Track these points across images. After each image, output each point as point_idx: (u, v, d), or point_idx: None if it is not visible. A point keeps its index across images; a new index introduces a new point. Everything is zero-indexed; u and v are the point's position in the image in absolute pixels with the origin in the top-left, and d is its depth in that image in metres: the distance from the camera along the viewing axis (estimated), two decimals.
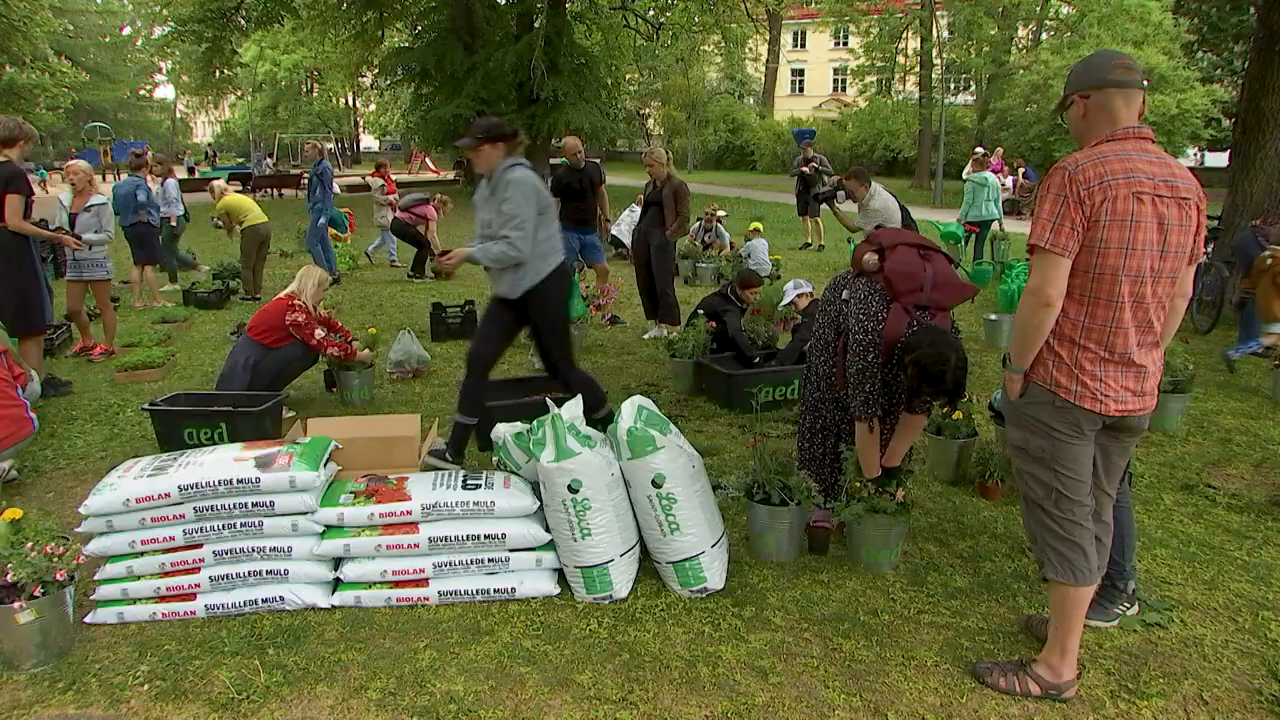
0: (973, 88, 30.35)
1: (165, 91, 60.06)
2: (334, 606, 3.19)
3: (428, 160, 35.88)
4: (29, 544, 2.94)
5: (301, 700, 2.73)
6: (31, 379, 5.30)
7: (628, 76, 30.66)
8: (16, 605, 2.83)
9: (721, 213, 11.92)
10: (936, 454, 4.41)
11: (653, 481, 3.17)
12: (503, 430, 3.55)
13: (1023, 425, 2.62)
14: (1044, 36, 27.51)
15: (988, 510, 4.06)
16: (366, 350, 5.70)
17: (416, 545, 3.15)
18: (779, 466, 3.54)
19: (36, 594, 2.87)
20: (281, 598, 3.16)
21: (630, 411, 3.32)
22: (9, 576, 2.86)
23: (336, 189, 11.28)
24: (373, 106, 49.69)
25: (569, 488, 3.10)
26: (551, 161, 23.34)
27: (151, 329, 7.85)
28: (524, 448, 3.39)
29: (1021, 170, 20.49)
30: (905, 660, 2.91)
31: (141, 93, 57.75)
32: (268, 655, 2.95)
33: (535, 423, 3.39)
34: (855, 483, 3.42)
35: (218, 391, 5.12)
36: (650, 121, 43.58)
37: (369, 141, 60.37)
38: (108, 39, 52.87)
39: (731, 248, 11.42)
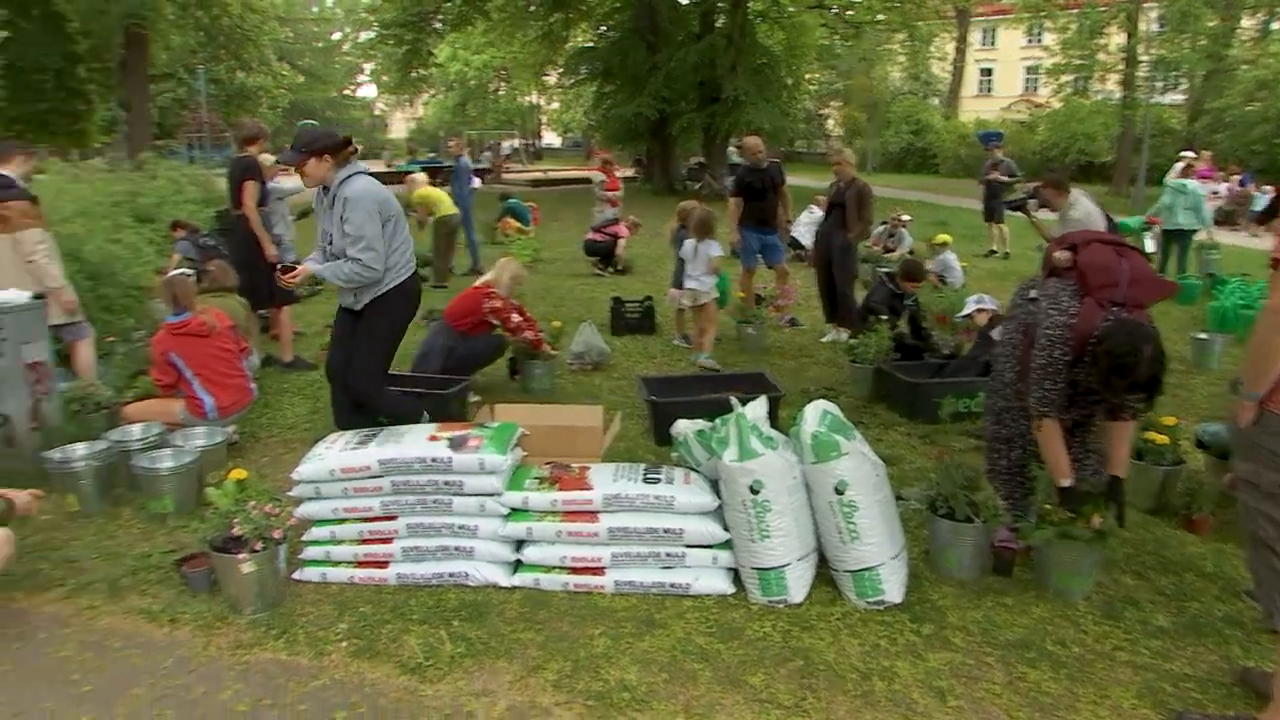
0: (1183, 86, 27.85)
1: (367, 91, 64.42)
2: (514, 587, 3.31)
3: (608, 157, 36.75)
4: (251, 502, 3.23)
5: (483, 672, 2.84)
6: (252, 352, 5.82)
7: (808, 76, 30.15)
8: (240, 556, 3.11)
9: (905, 217, 11.52)
10: (1135, 480, 4.07)
11: (835, 488, 3.09)
12: (684, 426, 3.57)
13: (1254, 457, 2.37)
14: (1274, 26, 24.86)
15: (1194, 546, 3.71)
16: (549, 345, 5.88)
17: (596, 534, 3.22)
18: (964, 481, 3.38)
19: (256, 548, 3.14)
20: (466, 574, 3.31)
21: (814, 415, 3.25)
22: (236, 530, 3.14)
23: (476, 183, 11.58)
24: (556, 104, 51.36)
25: (750, 488, 3.08)
26: (731, 160, 23.35)
27: None
28: (706, 445, 3.40)
29: (1237, 177, 18.57)
30: (1098, 699, 2.70)
31: (346, 92, 62.27)
32: (453, 626, 3.09)
33: (718, 421, 3.38)
34: (1046, 504, 3.21)
35: (412, 373, 5.43)
36: (830, 122, 42.70)
37: (551, 138, 62.44)
38: (320, 44, 57.35)
39: (911, 253, 11.02)
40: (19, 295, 4.51)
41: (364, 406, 4.11)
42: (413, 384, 5.10)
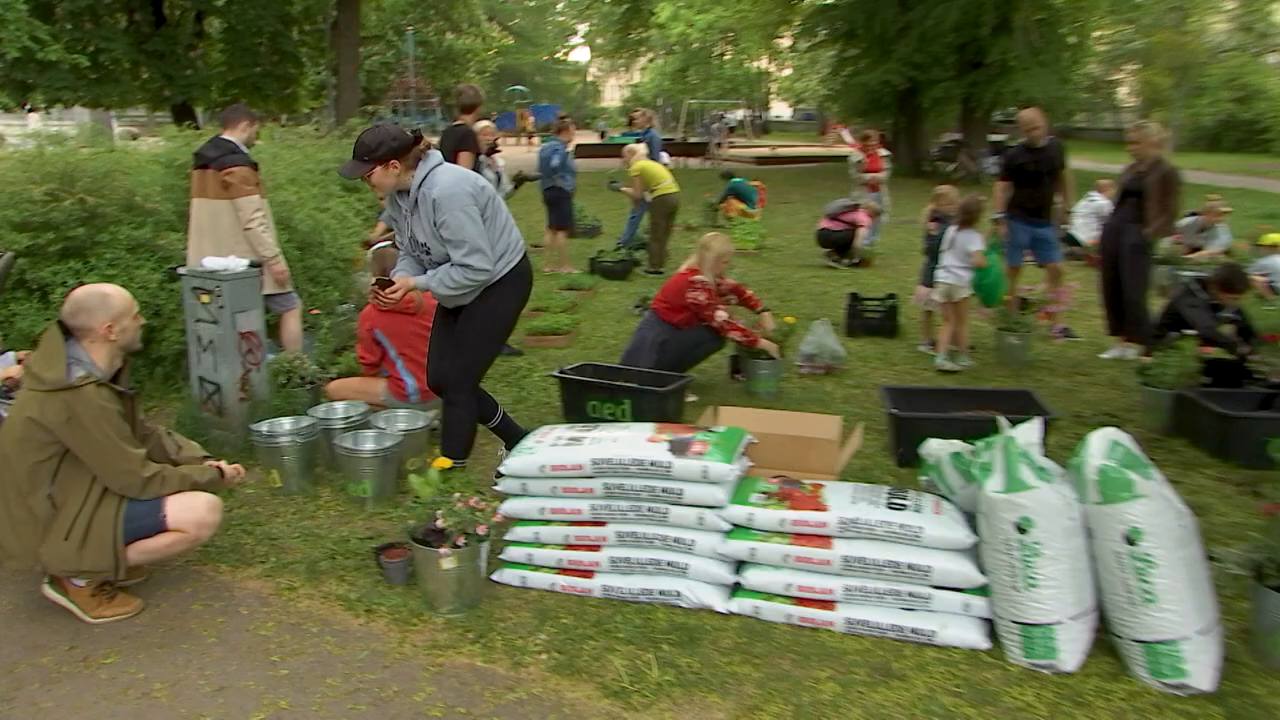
0: None
1: (579, 54, 66.95)
2: (731, 612, 3.34)
3: (845, 132, 36.13)
4: (456, 494, 3.44)
5: (693, 706, 2.88)
6: None
7: (1095, 34, 28.23)
8: (442, 551, 3.33)
9: (1223, 208, 10.56)
10: None
11: (1126, 536, 2.89)
12: (937, 448, 3.46)
13: None
14: None
15: None
16: (770, 343, 5.87)
17: (828, 562, 3.18)
18: None
19: (459, 543, 3.35)
20: (678, 592, 3.37)
21: (1101, 446, 3.05)
22: (439, 522, 3.37)
23: (665, 158, 11.66)
24: (788, 71, 51.15)
25: (1017, 526, 2.93)
26: (991, 138, 22.28)
27: (558, 295, 8.83)
28: (963, 471, 3.28)
29: None
30: None
31: (558, 56, 65.04)
32: (662, 650, 3.16)
33: (980, 443, 3.25)
34: None
35: (623, 366, 5.61)
36: (1122, 90, 39.81)
37: (780, 109, 62.27)
38: (533, 3, 60.25)
39: (1228, 254, 10.08)
40: (238, 263, 5.06)
41: (447, 402, 4.23)
42: (623, 379, 5.26)
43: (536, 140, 39.78)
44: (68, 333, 3.30)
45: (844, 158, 28.20)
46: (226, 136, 5.81)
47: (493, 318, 4.11)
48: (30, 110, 20.99)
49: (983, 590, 3.11)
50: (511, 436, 4.53)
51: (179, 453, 3.67)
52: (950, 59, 20.32)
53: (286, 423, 4.72)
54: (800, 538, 3.25)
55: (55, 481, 3.24)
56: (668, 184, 10.35)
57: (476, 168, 6.99)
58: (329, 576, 3.73)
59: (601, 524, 3.50)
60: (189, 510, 3.40)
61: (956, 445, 3.45)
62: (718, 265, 5.84)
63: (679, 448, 3.42)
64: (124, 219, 6.25)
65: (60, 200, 5.91)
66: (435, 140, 6.95)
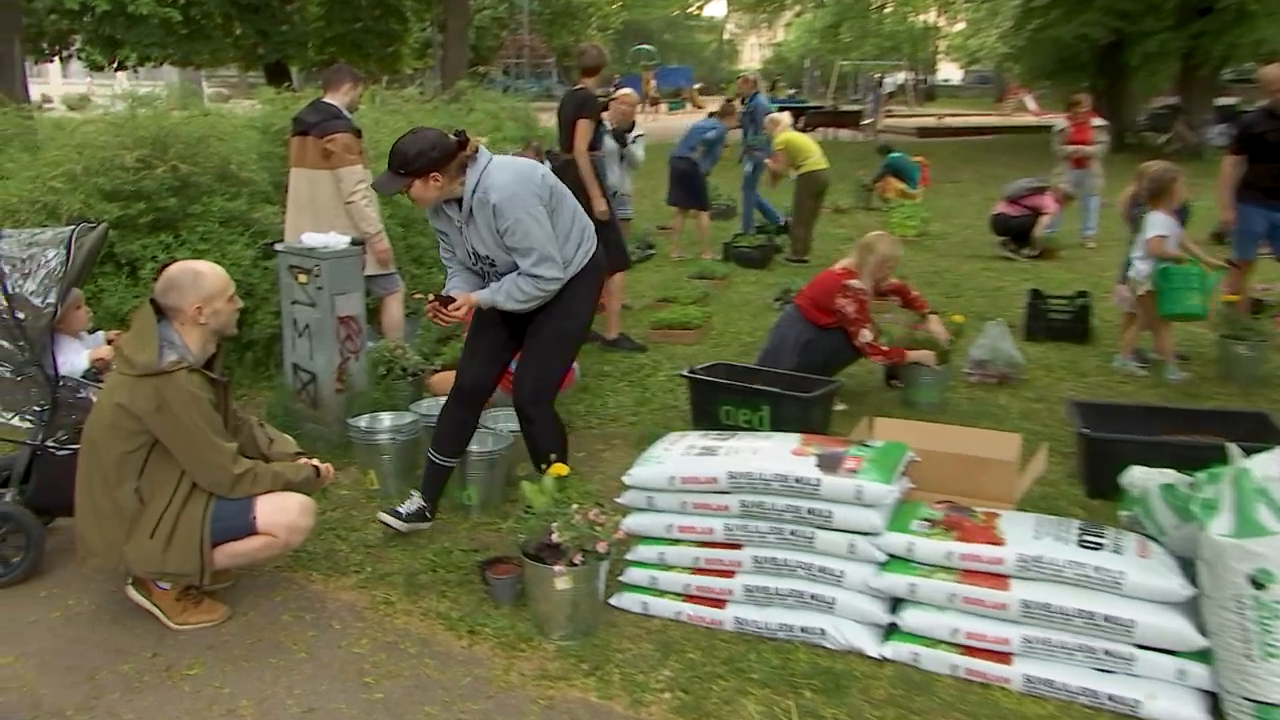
0: None
1: (715, 9, 66.92)
2: (884, 658, 3.29)
3: (1028, 98, 35.16)
4: (574, 505, 3.49)
5: None
6: None
7: None
8: (557, 568, 3.38)
9: None
10: None
11: (1252, 578, 2.74)
12: (1144, 477, 3.33)
13: None
14: None
15: None
16: (927, 352, 5.76)
17: (1004, 606, 3.10)
18: None
19: (576, 561, 3.40)
20: (823, 630, 3.34)
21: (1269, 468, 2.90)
22: (554, 536, 3.42)
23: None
24: (960, 26, 50.04)
25: (1252, 580, 2.79)
26: (1219, 102, 21.06)
27: (688, 284, 8.88)
28: (1178, 507, 3.15)
29: None
30: None
31: (690, 10, 65.17)
32: (803, 698, 3.13)
33: (1202, 475, 3.11)
34: None
35: (761, 367, 5.60)
36: None
37: (949, 71, 60.96)
38: None
39: None
40: (338, 240, 5.25)
41: (525, 419, 4.23)
42: (761, 381, 5.24)
43: (662, 108, 40.01)
44: (160, 312, 3.48)
45: (1026, 129, 27.27)
46: (328, 100, 6.02)
47: (569, 321, 4.14)
48: (118, 68, 22.25)
49: (1203, 656, 2.96)
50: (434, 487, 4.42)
51: (271, 447, 3.83)
52: (1169, 5, 19.15)
53: (386, 418, 4.87)
54: (971, 575, 3.17)
55: (143, 474, 3.42)
56: (816, 159, 10.28)
57: (598, 139, 7.06)
58: (429, 591, 3.83)
59: (737, 546, 3.50)
60: (281, 512, 3.54)
61: (1169, 475, 3.31)
62: (880, 271, 5.75)
63: (828, 463, 3.39)
64: (217, 189, 6.58)
65: (152, 168, 6.25)
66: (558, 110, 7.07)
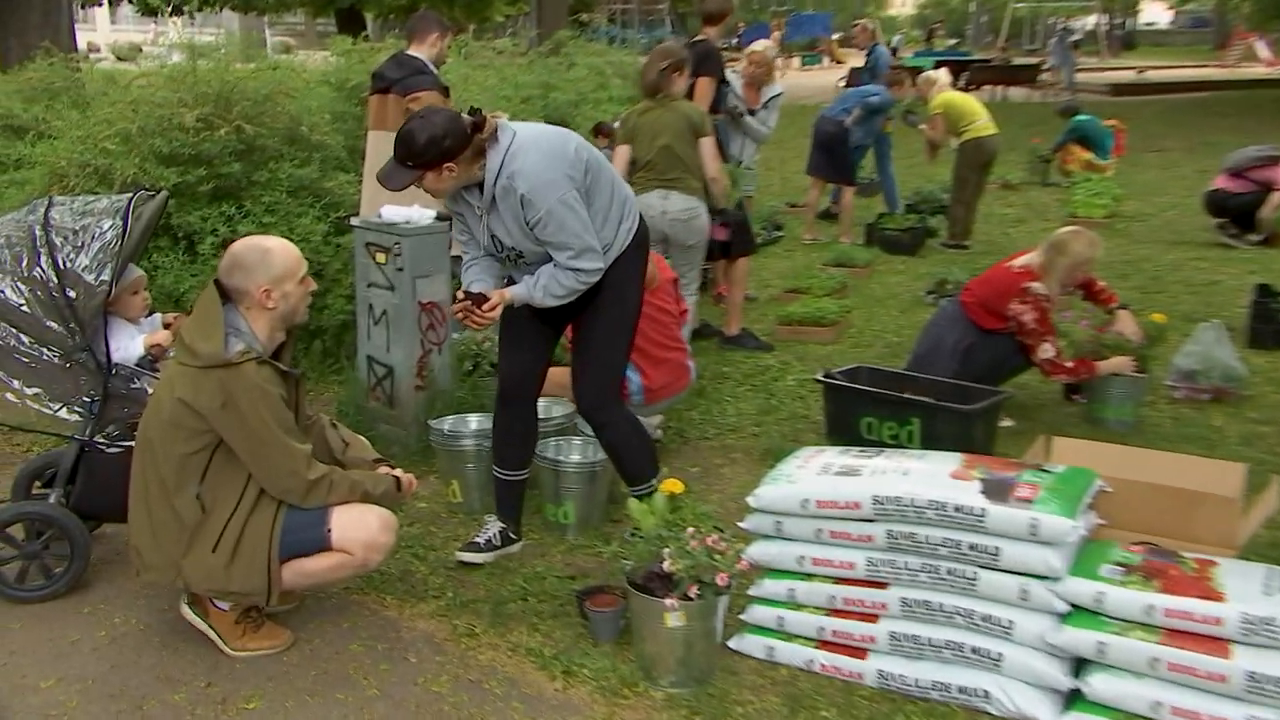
0: None
1: None
2: None
3: (1260, 45, 33.77)
4: (690, 529, 3.49)
5: None
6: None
7: None
8: (669, 602, 3.37)
9: None
10: None
11: None
12: None
13: None
14: None
15: None
16: (1122, 359, 5.61)
17: (1223, 678, 2.97)
18: None
19: (691, 594, 3.38)
20: (986, 692, 3.28)
21: None
22: (665, 564, 3.41)
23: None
24: None
25: None
26: None
27: (822, 272, 8.82)
28: None
29: None
30: None
31: None
32: None
33: None
34: None
35: (911, 372, 5.54)
36: None
37: (1154, 13, 59.14)
38: None
39: None
40: (422, 214, 5.32)
41: (596, 426, 4.30)
42: (912, 390, 5.20)
43: (795, 62, 39.74)
44: (224, 295, 3.57)
45: (1256, 83, 26.33)
46: (411, 53, 6.13)
47: (620, 308, 4.20)
48: (173, 13, 22.97)
49: None
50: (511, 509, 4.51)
51: (345, 451, 3.91)
52: None
53: (473, 421, 4.93)
54: (1178, 636, 3.06)
55: (205, 479, 3.51)
56: (982, 124, 10.07)
57: (719, 98, 7.04)
58: (518, 623, 3.88)
59: (881, 585, 3.46)
60: (359, 527, 3.60)
61: None
62: (1071, 276, 5.58)
63: (996, 490, 3.32)
64: (286, 154, 6.74)
65: (214, 128, 6.43)
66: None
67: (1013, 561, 3.26)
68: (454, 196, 4.03)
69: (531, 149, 3.84)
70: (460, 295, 4.01)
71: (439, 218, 5.40)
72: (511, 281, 4.11)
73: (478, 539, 4.35)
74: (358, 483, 3.67)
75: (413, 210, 5.31)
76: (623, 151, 6.38)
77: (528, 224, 3.87)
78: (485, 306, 3.95)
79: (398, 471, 3.90)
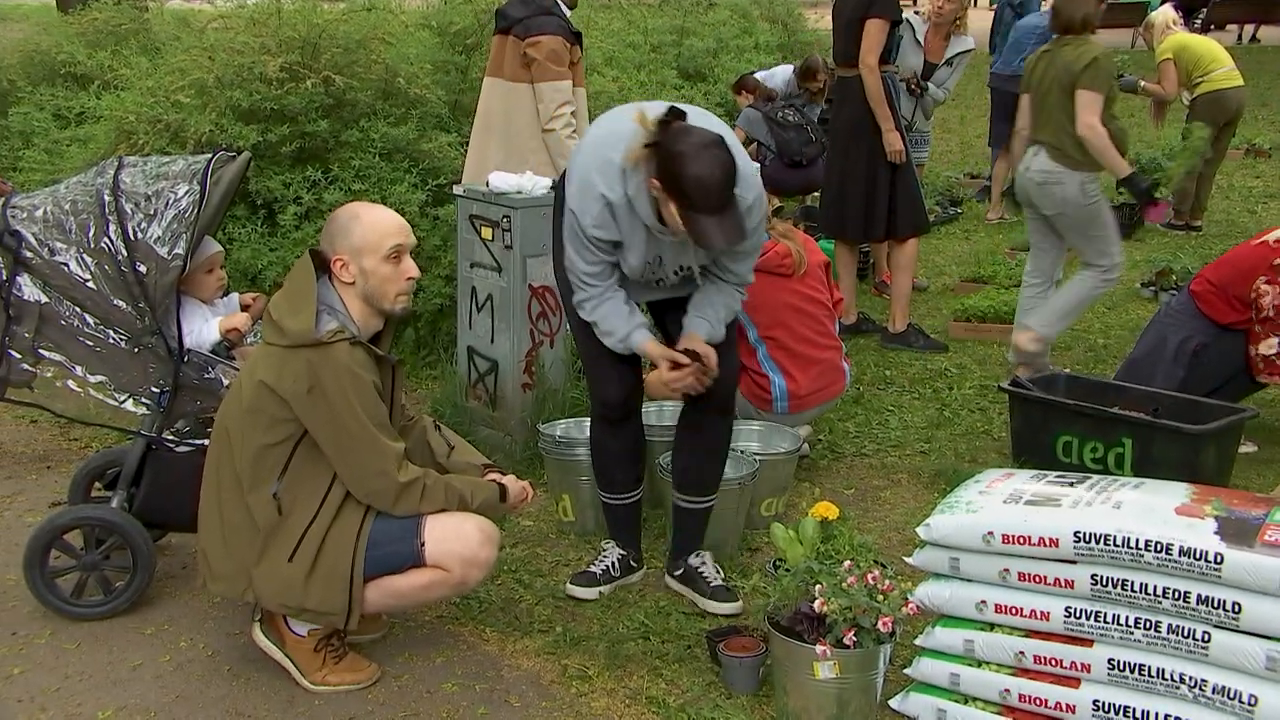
0: None
1: None
2: None
3: None
4: (846, 563, 3.44)
5: None
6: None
7: None
8: (821, 649, 3.32)
9: None
10: None
11: None
12: None
13: None
14: None
15: None
16: None
17: None
18: None
19: (846, 642, 3.33)
20: None
21: None
22: (816, 604, 3.37)
23: None
24: None
25: None
26: None
27: (1007, 258, 8.67)
28: None
29: None
30: None
31: None
32: None
33: None
34: None
35: (1121, 382, 5.42)
36: None
37: None
38: None
39: None
40: (537, 183, 5.31)
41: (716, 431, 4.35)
42: (1124, 403, 5.09)
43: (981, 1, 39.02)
44: (321, 267, 3.62)
45: None
46: None
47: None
48: None
49: None
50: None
51: (449, 456, 3.95)
52: None
53: (588, 426, 4.92)
54: None
55: (285, 477, 3.55)
56: (1223, 73, 9.71)
57: (891, 49, 6.91)
58: (638, 666, 3.87)
59: (1085, 643, 3.35)
60: (456, 539, 3.62)
61: None
62: None
63: (1237, 532, 3.18)
64: (380, 110, 6.81)
65: (300, 80, 6.52)
66: None
67: (1257, 621, 3.11)
68: (633, 222, 3.97)
69: (735, 145, 3.89)
70: (681, 361, 4.00)
71: (554, 187, 5.40)
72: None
73: (593, 568, 4.37)
74: (455, 489, 3.69)
75: (524, 178, 5.31)
76: (1024, 103, 6.46)
77: (747, 233, 3.94)
78: (709, 361, 4.00)
79: (509, 478, 3.91)
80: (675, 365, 3.99)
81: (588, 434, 4.86)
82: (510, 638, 4.05)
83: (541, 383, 5.39)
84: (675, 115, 3.80)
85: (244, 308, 4.50)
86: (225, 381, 4.04)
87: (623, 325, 4.06)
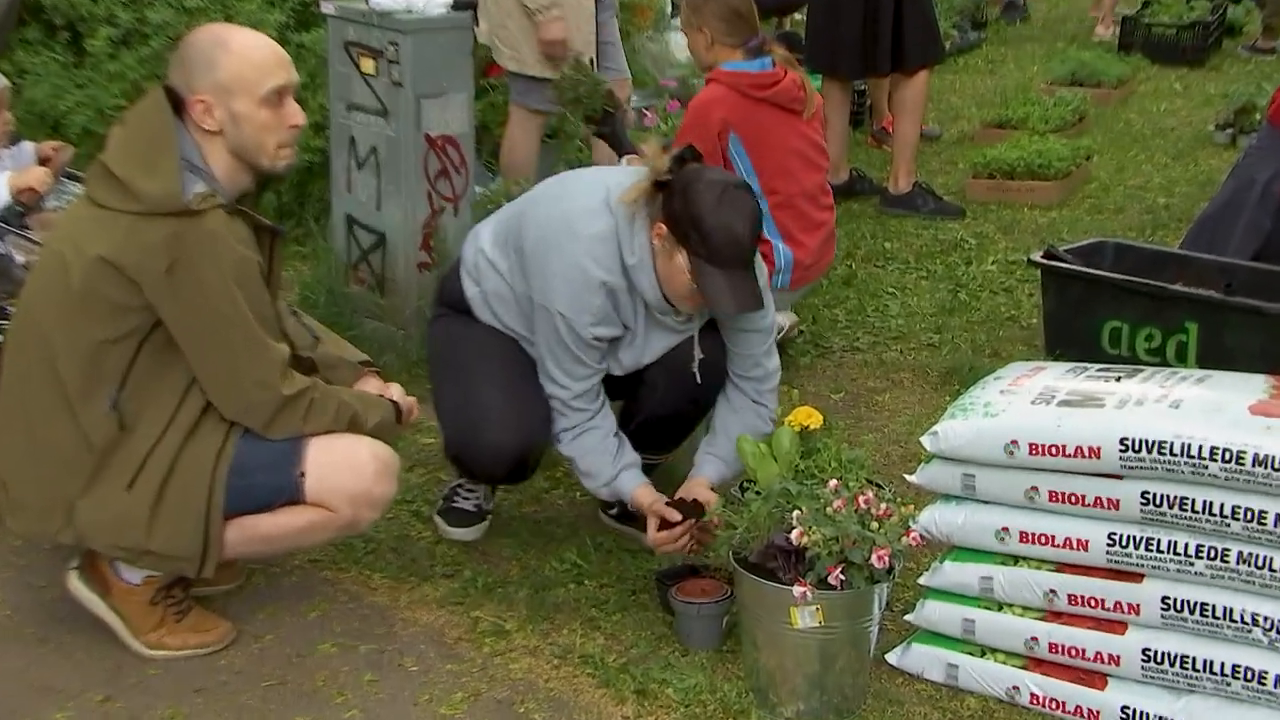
0: None
1: None
2: None
3: None
4: (833, 482, 3.44)
5: None
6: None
7: None
8: (799, 590, 3.30)
9: None
10: None
11: None
12: None
13: None
14: None
15: None
16: None
17: None
18: None
19: (832, 580, 3.32)
20: None
21: None
22: (793, 535, 3.36)
23: None
24: None
25: None
26: None
27: (1048, 94, 8.64)
28: None
29: None
30: None
31: None
32: None
33: None
34: None
35: (1185, 251, 5.47)
36: None
37: None
38: None
39: None
40: (429, 1, 5.22)
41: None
42: (1188, 277, 5.09)
43: None
44: (177, 107, 3.47)
45: None
46: None
47: None
48: None
49: None
50: None
51: (316, 350, 3.83)
52: None
53: None
54: None
55: (127, 385, 3.43)
56: None
57: None
58: (569, 617, 3.89)
59: (1131, 577, 3.38)
60: (347, 470, 3.55)
61: None
62: None
63: None
64: None
65: None
66: None
67: None
68: (641, 314, 4.03)
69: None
70: (669, 515, 3.92)
71: (456, 5, 5.33)
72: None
73: (462, 502, 4.37)
74: (348, 405, 3.61)
75: None
76: None
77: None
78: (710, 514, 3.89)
79: (395, 389, 3.87)
80: (665, 523, 3.92)
81: None
82: (405, 585, 4.05)
83: (443, 261, 5.30)
84: (694, 155, 3.84)
85: (42, 161, 4.41)
86: (19, 258, 3.97)
87: (608, 466, 4.06)
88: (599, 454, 4.04)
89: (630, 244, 3.81)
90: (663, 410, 4.30)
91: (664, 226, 3.73)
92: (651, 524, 3.94)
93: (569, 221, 3.89)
